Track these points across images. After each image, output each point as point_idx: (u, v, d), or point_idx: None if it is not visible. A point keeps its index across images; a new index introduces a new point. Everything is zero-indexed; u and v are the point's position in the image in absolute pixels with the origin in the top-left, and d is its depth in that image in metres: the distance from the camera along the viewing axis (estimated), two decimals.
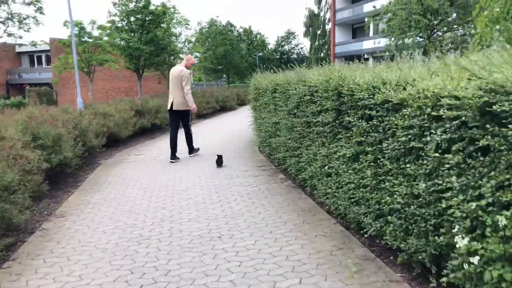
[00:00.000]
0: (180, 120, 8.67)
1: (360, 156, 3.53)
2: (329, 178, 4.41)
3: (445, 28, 18.46)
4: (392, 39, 18.89)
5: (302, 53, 49.72)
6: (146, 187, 6.48)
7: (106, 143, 10.01)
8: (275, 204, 5.27)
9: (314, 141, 4.84)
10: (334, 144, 4.16)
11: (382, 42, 20.43)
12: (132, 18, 19.33)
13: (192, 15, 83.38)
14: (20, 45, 16.27)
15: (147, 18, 19.35)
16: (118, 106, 11.67)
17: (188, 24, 22.05)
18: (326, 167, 4.44)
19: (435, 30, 18.45)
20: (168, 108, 8.59)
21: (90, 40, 17.43)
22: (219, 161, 7.68)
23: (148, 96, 15.36)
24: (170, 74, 8.64)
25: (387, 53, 21.72)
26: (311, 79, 4.82)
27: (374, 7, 21.09)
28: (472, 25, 17.39)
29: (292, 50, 49.78)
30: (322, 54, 45.91)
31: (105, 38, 17.92)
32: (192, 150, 9.02)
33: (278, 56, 48.51)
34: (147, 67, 19.65)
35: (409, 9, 16.94)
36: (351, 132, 3.75)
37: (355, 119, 3.57)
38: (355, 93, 3.54)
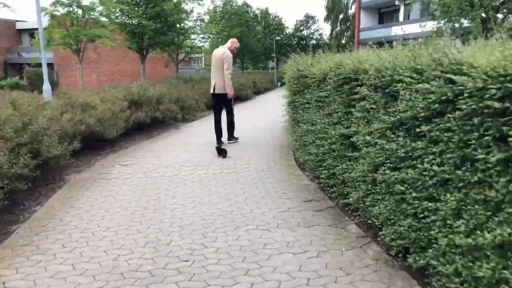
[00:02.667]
0: (223, 104, 8.27)
1: None
2: None
3: (505, 11, 15.34)
4: (443, 21, 15.80)
5: (321, 39, 46.44)
6: (123, 244, 3.70)
7: (86, 144, 7.33)
8: None
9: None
10: None
11: (429, 25, 17.30)
12: None
13: None
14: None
15: None
16: (107, 94, 8.90)
17: (202, 0, 19.04)
18: None
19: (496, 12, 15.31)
20: (211, 92, 8.28)
21: (80, 11, 14.21)
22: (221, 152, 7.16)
23: (148, 82, 12.55)
24: (212, 56, 8.29)
25: (419, 40, 18.58)
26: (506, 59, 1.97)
27: None
28: None
29: (311, 36, 46.48)
30: (343, 41, 42.65)
31: (99, 9, 14.83)
32: (232, 137, 8.53)
33: (295, 42, 45.30)
34: (151, 47, 16.72)
35: None
36: None
37: None
38: None
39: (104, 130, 7.53)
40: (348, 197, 4.04)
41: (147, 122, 9.74)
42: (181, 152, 7.69)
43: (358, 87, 3.64)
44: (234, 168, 6.40)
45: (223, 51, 8.10)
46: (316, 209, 4.48)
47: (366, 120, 3.52)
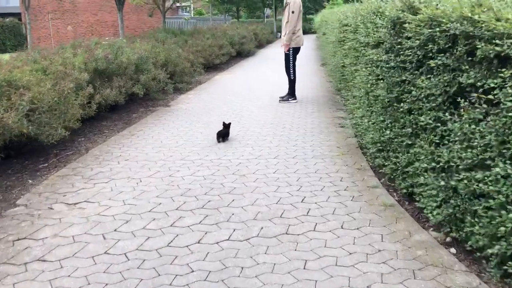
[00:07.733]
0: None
1: None
2: None
3: None
4: None
5: None
6: None
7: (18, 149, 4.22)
8: None
9: None
10: None
11: None
12: None
13: None
14: None
15: None
16: (53, 63, 5.58)
17: None
18: None
19: None
20: (299, 46, 7.62)
21: None
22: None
23: (127, 37, 9.08)
24: (299, 5, 7.33)
25: None
26: None
27: None
28: None
29: None
30: None
31: None
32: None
33: None
34: None
35: None
36: None
37: None
38: None
39: (38, 131, 4.30)
40: None
41: (121, 103, 6.45)
42: (175, 163, 4.52)
43: None
44: (281, 209, 3.27)
45: None
46: None
47: None
